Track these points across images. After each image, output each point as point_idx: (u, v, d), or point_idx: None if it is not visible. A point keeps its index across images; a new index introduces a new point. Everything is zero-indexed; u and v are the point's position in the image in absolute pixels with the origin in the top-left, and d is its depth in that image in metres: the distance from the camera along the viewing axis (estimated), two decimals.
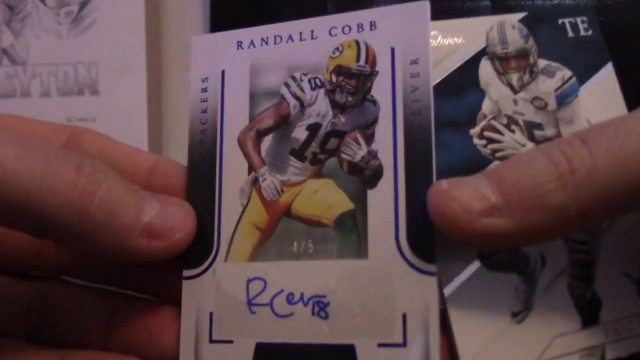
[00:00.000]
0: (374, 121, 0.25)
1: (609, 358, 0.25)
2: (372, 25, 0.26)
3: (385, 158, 0.25)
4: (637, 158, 0.20)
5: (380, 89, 0.25)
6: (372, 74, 0.26)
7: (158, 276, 0.27)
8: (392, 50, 0.25)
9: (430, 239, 0.24)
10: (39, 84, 0.66)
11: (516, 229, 0.21)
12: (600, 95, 0.27)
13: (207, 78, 0.27)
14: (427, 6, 0.25)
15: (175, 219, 0.24)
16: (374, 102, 0.25)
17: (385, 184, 0.25)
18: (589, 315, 0.25)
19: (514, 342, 0.25)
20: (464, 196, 0.21)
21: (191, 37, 0.28)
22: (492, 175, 0.22)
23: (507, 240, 0.22)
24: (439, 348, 0.23)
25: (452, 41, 0.27)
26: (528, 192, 0.21)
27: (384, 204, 0.24)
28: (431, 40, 0.26)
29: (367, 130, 0.25)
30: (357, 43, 0.26)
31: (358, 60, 0.26)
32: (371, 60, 0.26)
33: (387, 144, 0.25)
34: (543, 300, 0.25)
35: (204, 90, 0.27)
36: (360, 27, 0.26)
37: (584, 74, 0.27)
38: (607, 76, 0.27)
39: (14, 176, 0.20)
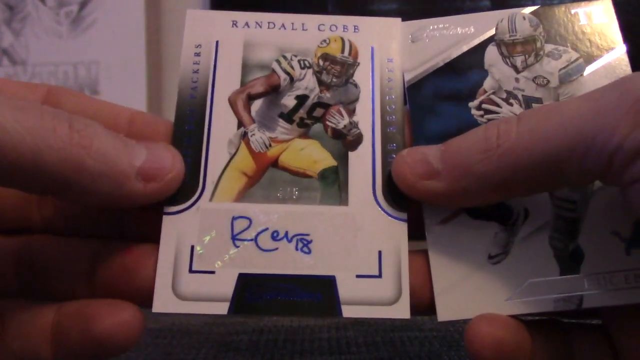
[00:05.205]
0: (355, 100, 0.30)
1: (587, 307, 0.25)
2: (356, 28, 0.31)
3: (365, 129, 0.29)
4: (556, 136, 0.22)
5: (361, 76, 0.30)
6: (355, 64, 0.30)
7: (137, 220, 0.28)
8: (372, 48, 0.30)
9: (402, 193, 0.27)
10: None
11: (449, 191, 0.25)
12: (609, 75, 0.28)
13: (200, 45, 0.30)
14: (399, 22, 0.31)
15: (164, 159, 0.26)
16: (356, 85, 0.30)
17: (365, 148, 0.29)
18: (568, 265, 0.26)
19: (487, 280, 0.26)
20: (413, 161, 0.26)
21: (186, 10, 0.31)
22: (444, 145, 0.26)
23: (444, 200, 0.26)
24: (408, 279, 0.26)
25: (462, 31, 0.30)
26: (461, 161, 0.25)
27: (363, 163, 0.28)
28: (443, 31, 0.30)
29: (349, 106, 0.29)
30: (342, 39, 0.31)
31: (343, 51, 0.30)
32: (354, 53, 0.30)
33: (366, 118, 0.29)
34: (522, 247, 0.26)
35: (197, 54, 0.30)
36: (345, 27, 0.31)
37: (593, 56, 0.28)
38: (619, 59, 0.28)
39: (17, 137, 0.21)
